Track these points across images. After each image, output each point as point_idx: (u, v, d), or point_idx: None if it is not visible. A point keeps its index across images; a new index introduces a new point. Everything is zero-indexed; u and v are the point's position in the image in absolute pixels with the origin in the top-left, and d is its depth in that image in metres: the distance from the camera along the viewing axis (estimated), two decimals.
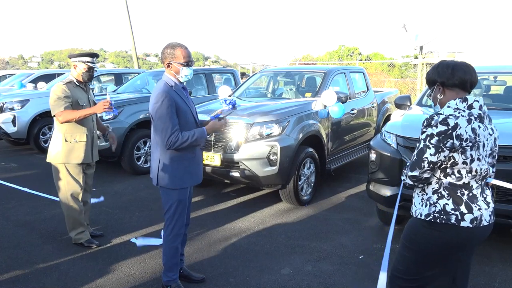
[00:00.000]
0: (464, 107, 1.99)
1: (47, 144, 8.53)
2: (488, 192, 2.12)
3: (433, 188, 2.07)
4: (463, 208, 2.01)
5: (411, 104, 4.99)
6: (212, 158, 4.87)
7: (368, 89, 7.19)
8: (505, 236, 4.16)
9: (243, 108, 5.18)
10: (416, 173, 2.03)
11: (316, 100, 5.50)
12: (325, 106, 5.47)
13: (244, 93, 6.72)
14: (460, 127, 1.93)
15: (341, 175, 6.41)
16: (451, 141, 1.93)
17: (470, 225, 2.00)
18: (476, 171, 2.00)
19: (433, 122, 1.97)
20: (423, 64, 13.72)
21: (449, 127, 1.93)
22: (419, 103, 5.02)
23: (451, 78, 2.04)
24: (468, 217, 2.00)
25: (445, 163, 2.00)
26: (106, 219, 4.66)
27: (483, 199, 2.06)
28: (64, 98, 3.73)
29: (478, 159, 1.98)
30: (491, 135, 2.04)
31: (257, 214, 4.90)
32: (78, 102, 3.82)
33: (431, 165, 1.99)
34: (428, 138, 1.97)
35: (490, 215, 2.07)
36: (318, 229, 4.42)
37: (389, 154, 3.88)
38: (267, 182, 4.82)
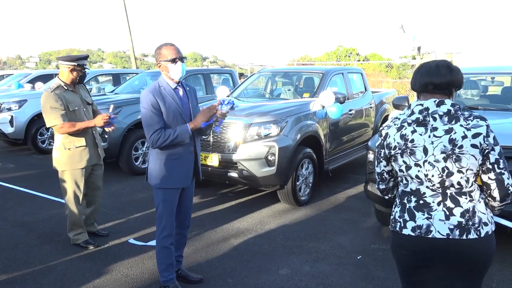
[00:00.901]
0: (406, 114, 1.94)
1: (44, 145, 8.52)
2: (463, 203, 1.85)
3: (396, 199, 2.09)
4: (405, 215, 1.94)
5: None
6: (211, 159, 4.87)
7: (366, 90, 7.20)
8: (502, 237, 4.16)
9: (241, 108, 5.18)
10: (376, 185, 2.17)
11: (314, 101, 5.50)
12: (323, 107, 5.47)
13: (242, 93, 6.72)
14: (389, 136, 1.95)
15: (339, 175, 6.41)
16: (383, 150, 1.99)
17: (412, 234, 1.89)
18: (418, 177, 1.88)
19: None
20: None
21: (382, 138, 2.00)
22: None
23: (415, 83, 1.97)
24: (409, 224, 1.91)
25: (394, 171, 2.04)
26: (104, 220, 4.64)
27: (444, 209, 1.86)
28: (57, 108, 3.67)
29: (417, 165, 1.87)
30: (438, 137, 1.83)
31: (255, 214, 4.90)
32: (68, 107, 3.75)
33: (379, 176, 2.08)
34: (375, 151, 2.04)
35: (452, 228, 1.84)
36: (316, 230, 4.42)
37: None
38: (265, 183, 4.81)
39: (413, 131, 1.88)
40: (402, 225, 1.94)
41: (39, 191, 5.73)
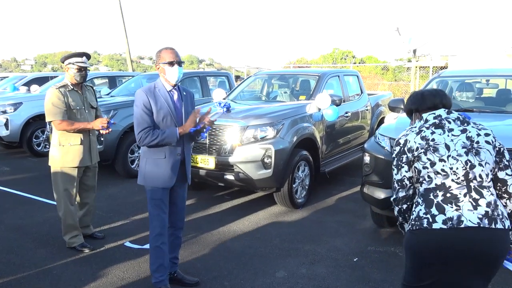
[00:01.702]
0: (421, 123, 2.15)
1: (40, 147, 8.48)
2: (486, 195, 1.97)
3: (415, 201, 2.13)
4: (433, 210, 1.97)
5: None
6: (207, 161, 4.87)
7: (362, 92, 7.22)
8: None
9: (238, 111, 5.18)
10: (394, 195, 2.21)
11: (310, 103, 5.51)
12: (319, 109, 5.48)
13: (238, 96, 6.73)
14: (409, 141, 2.11)
15: (336, 177, 6.42)
16: (405, 155, 2.12)
17: (444, 226, 1.93)
18: (443, 171, 1.99)
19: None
20: (416, 67, 13.81)
21: (401, 146, 2.15)
22: None
23: (423, 103, 2.23)
24: (439, 218, 1.95)
25: (415, 175, 2.11)
26: (100, 223, 4.62)
27: (470, 200, 1.95)
28: (59, 105, 3.75)
29: (442, 160, 2.00)
30: (457, 136, 2.04)
31: (251, 217, 4.89)
32: (70, 106, 3.82)
33: (399, 183, 2.16)
34: (392, 162, 2.20)
35: (480, 218, 1.92)
36: (313, 232, 4.42)
37: (383, 157, 3.90)
38: (261, 185, 4.81)
39: (432, 133, 2.06)
40: (430, 220, 1.97)
41: (34, 194, 5.70)
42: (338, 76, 6.62)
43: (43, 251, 3.93)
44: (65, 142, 3.83)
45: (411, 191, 2.15)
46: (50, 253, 3.88)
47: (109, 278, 3.45)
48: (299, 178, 5.17)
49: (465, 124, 2.07)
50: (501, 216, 1.96)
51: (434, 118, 2.11)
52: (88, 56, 3.98)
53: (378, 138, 4.11)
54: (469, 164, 1.99)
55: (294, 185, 5.06)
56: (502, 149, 2.07)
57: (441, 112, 2.12)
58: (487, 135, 2.05)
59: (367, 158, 4.07)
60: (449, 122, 2.08)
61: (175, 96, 3.04)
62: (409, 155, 2.09)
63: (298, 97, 6.09)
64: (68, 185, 3.89)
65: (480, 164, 1.99)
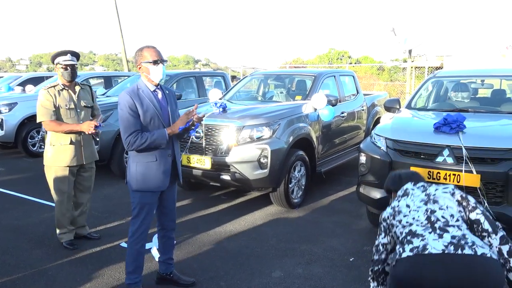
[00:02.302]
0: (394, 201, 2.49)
1: (35, 148, 8.44)
2: (452, 231, 2.07)
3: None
4: (404, 244, 2.13)
5: (400, 107, 5.03)
6: (203, 161, 4.86)
7: (358, 92, 7.24)
8: None
9: (234, 111, 5.18)
10: (372, 257, 2.55)
11: (306, 103, 5.52)
12: (315, 109, 5.49)
13: (234, 96, 6.72)
14: (383, 214, 2.48)
15: (332, 177, 6.43)
16: (382, 225, 2.48)
17: (410, 253, 2.04)
18: (408, 222, 2.23)
19: None
20: (412, 67, 13.86)
21: (380, 218, 2.51)
22: (408, 106, 5.07)
23: (400, 184, 2.56)
24: (407, 247, 2.09)
25: (394, 239, 2.37)
26: (96, 223, 4.61)
27: (435, 234, 2.08)
28: (47, 105, 3.76)
29: (406, 216, 2.28)
30: (417, 195, 2.36)
31: (247, 217, 4.89)
32: (59, 106, 3.81)
33: (375, 248, 2.51)
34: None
35: (446, 245, 1.97)
36: (309, 232, 4.43)
37: (379, 157, 3.91)
38: (257, 185, 4.81)
39: (399, 201, 2.43)
40: (401, 251, 2.10)
41: (29, 195, 5.67)
42: (334, 76, 6.63)
43: (39, 252, 3.91)
44: (56, 142, 3.85)
45: (383, 256, 2.42)
46: (46, 254, 3.87)
47: (105, 278, 3.44)
48: (295, 178, 5.17)
49: (427, 187, 2.40)
50: (470, 244, 1.95)
51: (402, 191, 2.47)
52: (73, 54, 3.92)
53: (374, 138, 4.12)
54: (429, 210, 2.21)
55: (290, 185, 5.06)
56: (464, 195, 2.31)
57: (408, 185, 2.48)
58: (444, 188, 2.33)
59: (363, 158, 4.08)
60: (413, 190, 2.43)
61: (159, 96, 2.97)
62: (384, 224, 2.43)
63: (294, 97, 6.09)
64: (61, 184, 3.91)
65: (440, 208, 2.20)
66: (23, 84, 10.54)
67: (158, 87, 2.99)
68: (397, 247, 2.20)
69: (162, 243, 3.27)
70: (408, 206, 2.31)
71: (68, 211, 3.99)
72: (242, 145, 4.72)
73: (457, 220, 2.14)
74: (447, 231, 2.06)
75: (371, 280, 2.51)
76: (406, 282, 2.02)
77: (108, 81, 10.45)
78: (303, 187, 5.34)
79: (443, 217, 2.14)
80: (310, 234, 4.37)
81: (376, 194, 3.90)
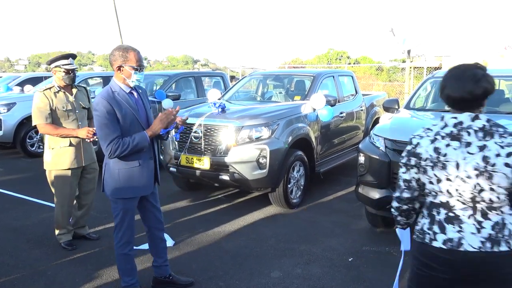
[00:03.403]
0: (439, 126, 1.91)
1: (33, 148, 8.43)
2: (492, 216, 1.82)
3: (422, 210, 2.03)
4: (435, 228, 1.89)
5: (399, 107, 5.04)
6: (202, 162, 4.86)
7: (356, 93, 7.25)
8: None
9: (233, 111, 5.18)
10: (397, 193, 2.06)
11: (305, 104, 5.52)
12: (314, 109, 5.49)
13: (233, 96, 6.72)
14: (421, 146, 1.90)
15: (330, 178, 6.43)
16: (414, 159, 1.93)
17: (444, 247, 1.84)
18: (448, 191, 1.84)
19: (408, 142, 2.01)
20: (410, 67, 13.88)
21: (412, 146, 1.95)
22: (407, 106, 5.08)
23: (456, 89, 1.90)
24: (440, 237, 1.86)
25: (420, 182, 1.98)
26: (95, 224, 4.61)
27: (474, 222, 1.82)
28: (42, 108, 3.75)
29: (448, 180, 1.83)
30: (472, 154, 1.79)
31: (246, 217, 4.89)
32: (56, 109, 3.80)
33: (406, 184, 2.00)
34: (402, 157, 2.00)
35: (483, 241, 1.81)
36: (308, 232, 4.43)
37: (377, 157, 3.91)
38: (256, 185, 4.82)
39: (447, 145, 1.84)
40: (432, 237, 1.89)
41: (28, 195, 5.66)
42: (333, 77, 6.64)
43: (38, 252, 3.91)
44: (55, 145, 3.83)
45: (416, 193, 2.02)
46: (45, 254, 3.87)
47: (104, 279, 3.44)
48: (294, 178, 5.17)
49: (488, 138, 1.79)
50: (507, 237, 1.82)
51: (454, 125, 1.86)
52: (74, 57, 3.95)
53: (373, 139, 4.13)
54: (478, 188, 1.79)
55: (289, 185, 5.06)
56: None
57: (464, 118, 1.84)
58: (509, 155, 1.76)
59: (362, 159, 4.09)
60: (469, 134, 1.81)
61: (135, 97, 2.90)
62: (417, 160, 1.92)
63: (293, 98, 6.10)
64: (63, 187, 3.90)
65: (491, 189, 1.79)
66: (21, 84, 10.52)
67: (133, 88, 2.89)
68: (426, 219, 1.93)
69: (154, 246, 3.23)
70: (457, 166, 1.81)
71: (68, 213, 3.99)
72: (241, 145, 4.73)
73: (503, 201, 1.82)
74: (488, 217, 1.82)
75: (398, 216, 2.14)
76: (437, 270, 1.89)
77: (107, 81, 10.36)
78: (302, 187, 5.35)
79: (490, 199, 1.80)
80: (309, 234, 4.37)
81: (375, 194, 3.91)
